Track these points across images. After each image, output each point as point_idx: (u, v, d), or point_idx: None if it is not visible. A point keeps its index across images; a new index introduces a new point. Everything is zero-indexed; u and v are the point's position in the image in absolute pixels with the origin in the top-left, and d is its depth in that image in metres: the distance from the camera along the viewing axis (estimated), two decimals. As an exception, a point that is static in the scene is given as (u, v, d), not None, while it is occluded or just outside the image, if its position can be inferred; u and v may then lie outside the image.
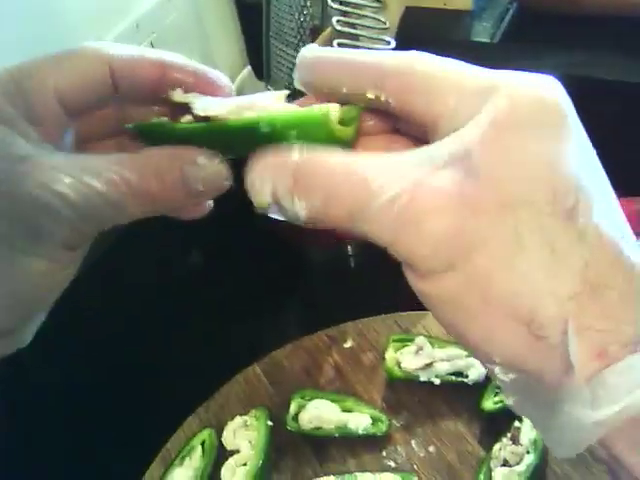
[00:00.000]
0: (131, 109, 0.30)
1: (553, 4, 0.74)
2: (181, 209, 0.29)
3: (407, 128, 0.27)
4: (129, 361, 0.65)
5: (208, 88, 0.28)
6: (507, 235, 0.23)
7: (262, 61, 0.71)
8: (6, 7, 0.54)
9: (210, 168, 0.26)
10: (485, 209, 0.22)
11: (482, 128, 0.23)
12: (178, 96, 0.28)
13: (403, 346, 0.62)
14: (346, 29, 0.64)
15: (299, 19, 0.66)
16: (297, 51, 0.68)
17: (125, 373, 0.64)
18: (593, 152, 0.25)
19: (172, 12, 0.69)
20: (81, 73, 0.27)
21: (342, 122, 0.26)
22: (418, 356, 0.59)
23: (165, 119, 0.28)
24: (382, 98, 0.25)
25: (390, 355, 0.61)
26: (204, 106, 0.27)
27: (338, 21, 0.64)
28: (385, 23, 0.66)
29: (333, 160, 0.24)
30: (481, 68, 0.25)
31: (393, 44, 0.65)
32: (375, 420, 0.58)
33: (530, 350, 0.23)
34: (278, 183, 0.24)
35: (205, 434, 0.60)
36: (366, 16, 0.67)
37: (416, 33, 0.73)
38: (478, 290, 0.23)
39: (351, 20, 0.66)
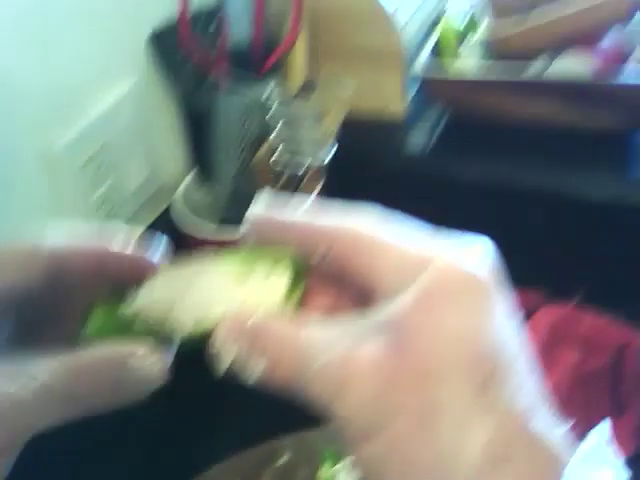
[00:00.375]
0: (75, 292, 0.31)
1: (481, 116, 0.79)
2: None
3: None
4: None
5: (142, 271, 0.30)
6: (421, 408, 0.24)
7: (206, 168, 0.74)
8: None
9: (146, 368, 0.27)
10: (403, 381, 0.24)
11: (410, 302, 0.25)
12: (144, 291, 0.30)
13: (337, 462, 0.62)
14: (286, 141, 0.67)
15: (242, 130, 0.69)
16: (239, 160, 0.71)
17: None
18: (515, 323, 0.27)
19: (119, 120, 0.71)
20: (18, 270, 0.28)
21: (291, 284, 0.29)
22: (352, 472, 0.60)
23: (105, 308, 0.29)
24: (328, 258, 0.28)
25: (324, 471, 0.61)
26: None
27: (279, 132, 0.67)
28: (324, 134, 0.70)
29: (280, 329, 0.27)
30: (421, 234, 0.28)
31: (332, 154, 0.68)
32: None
33: None
34: (236, 348, 0.27)
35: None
36: (306, 127, 0.70)
37: (354, 143, 0.77)
38: (398, 458, 0.25)
39: (291, 131, 0.69)
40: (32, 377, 0.25)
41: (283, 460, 0.66)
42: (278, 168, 0.64)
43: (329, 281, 0.30)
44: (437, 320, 0.25)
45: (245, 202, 0.73)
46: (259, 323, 0.27)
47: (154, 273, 0.30)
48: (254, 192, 0.69)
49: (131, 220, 0.74)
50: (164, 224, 0.76)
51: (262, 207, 0.30)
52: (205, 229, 0.71)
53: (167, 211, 0.76)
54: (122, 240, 0.30)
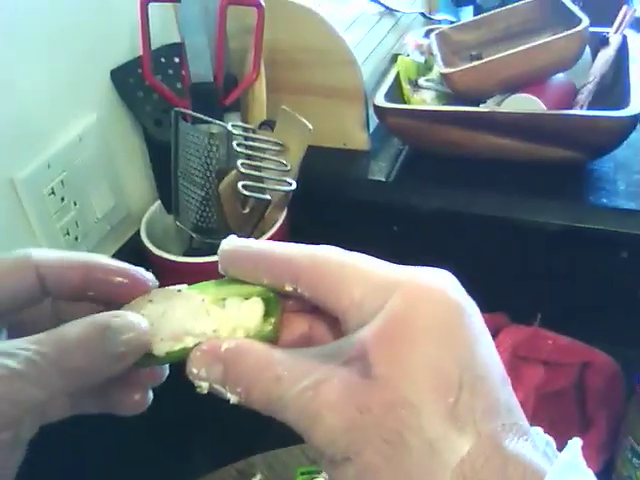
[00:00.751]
0: (64, 305, 0.31)
1: (439, 148, 0.81)
2: (118, 404, 0.30)
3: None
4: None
5: (134, 286, 0.30)
6: (390, 435, 0.25)
7: (171, 197, 0.74)
8: None
9: (129, 328, 0.27)
10: (372, 408, 0.25)
11: (377, 330, 0.26)
12: None
13: (311, 478, 0.63)
14: (250, 171, 0.68)
15: (206, 161, 0.70)
16: (203, 190, 0.72)
17: None
18: (486, 339, 0.27)
19: (83, 151, 0.72)
20: (8, 281, 0.28)
21: (266, 313, 0.30)
22: (324, 490, 0.60)
23: None
24: (298, 290, 0.29)
25: (296, 491, 0.61)
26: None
27: (242, 164, 0.68)
28: (287, 165, 0.71)
29: (253, 356, 0.27)
30: (385, 263, 0.28)
31: (294, 185, 0.69)
32: None
33: None
34: (211, 374, 0.27)
35: None
36: (269, 159, 0.72)
37: (318, 172, 0.78)
38: None
39: (255, 163, 0.70)
40: (24, 349, 0.25)
41: (257, 478, 0.66)
42: (244, 193, 0.64)
43: (303, 311, 0.31)
44: (405, 347, 0.25)
45: (210, 231, 0.74)
46: (232, 349, 0.27)
47: (142, 286, 0.30)
48: (220, 221, 0.71)
49: (97, 247, 0.74)
50: (132, 250, 0.76)
51: (231, 242, 0.30)
52: (171, 257, 0.71)
53: (135, 237, 0.76)
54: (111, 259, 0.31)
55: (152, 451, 0.69)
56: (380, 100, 0.81)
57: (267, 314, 0.30)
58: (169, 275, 0.72)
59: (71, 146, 0.71)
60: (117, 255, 0.77)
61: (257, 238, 0.72)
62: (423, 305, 0.26)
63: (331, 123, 0.86)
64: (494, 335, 0.73)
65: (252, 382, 0.27)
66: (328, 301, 0.28)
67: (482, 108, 0.79)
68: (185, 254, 0.76)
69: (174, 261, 0.71)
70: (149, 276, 0.31)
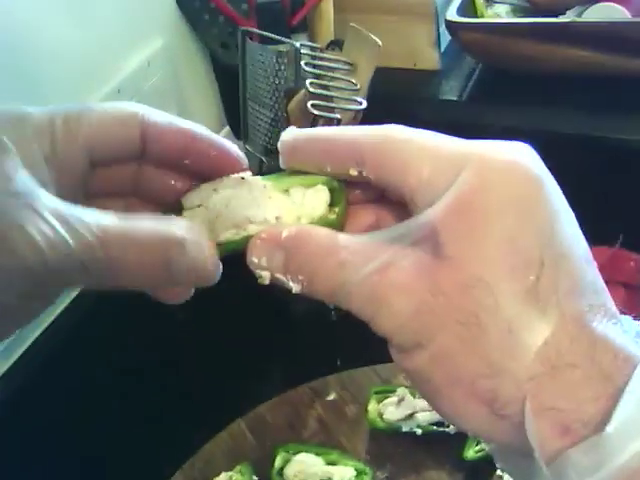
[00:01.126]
0: (150, 171, 0.29)
1: (513, 63, 0.77)
2: (161, 291, 0.28)
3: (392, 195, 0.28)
4: (114, 416, 0.64)
5: (227, 162, 0.28)
6: (465, 317, 0.23)
7: (239, 122, 0.74)
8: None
9: (198, 259, 0.25)
10: (444, 290, 0.23)
11: (448, 207, 0.24)
12: (189, 202, 0.29)
13: (385, 397, 0.63)
14: (319, 91, 0.67)
15: (274, 81, 0.69)
16: (272, 112, 0.71)
17: (110, 428, 0.64)
18: (568, 217, 0.25)
19: (152, 76, 0.72)
20: (115, 131, 0.27)
21: (330, 203, 0.29)
22: (400, 407, 0.60)
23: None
24: (363, 174, 0.27)
25: (372, 407, 0.62)
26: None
27: (311, 83, 0.66)
28: (356, 84, 0.69)
29: (315, 242, 0.26)
30: (454, 138, 0.26)
31: (364, 104, 0.68)
32: (359, 472, 0.59)
33: (495, 428, 0.24)
34: (272, 263, 0.26)
35: (190, 492, 0.60)
36: (338, 78, 0.70)
37: (388, 93, 0.76)
38: (442, 369, 0.24)
39: (324, 82, 0.68)
40: (96, 237, 0.22)
41: (332, 396, 0.67)
42: (314, 113, 0.63)
43: (369, 201, 0.29)
44: (479, 223, 0.23)
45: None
46: (293, 236, 0.26)
47: (236, 166, 0.29)
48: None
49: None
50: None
51: (290, 133, 0.28)
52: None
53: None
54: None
55: (230, 370, 0.71)
56: (452, 15, 0.77)
57: (332, 204, 0.29)
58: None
59: (140, 71, 0.70)
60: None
61: (327, 161, 0.71)
62: (497, 178, 0.24)
63: (400, 42, 0.83)
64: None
65: (314, 269, 0.25)
66: (395, 182, 0.26)
67: (562, 19, 0.75)
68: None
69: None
70: (242, 157, 0.29)
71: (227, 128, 0.78)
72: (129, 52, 0.70)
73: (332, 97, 0.68)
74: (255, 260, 0.26)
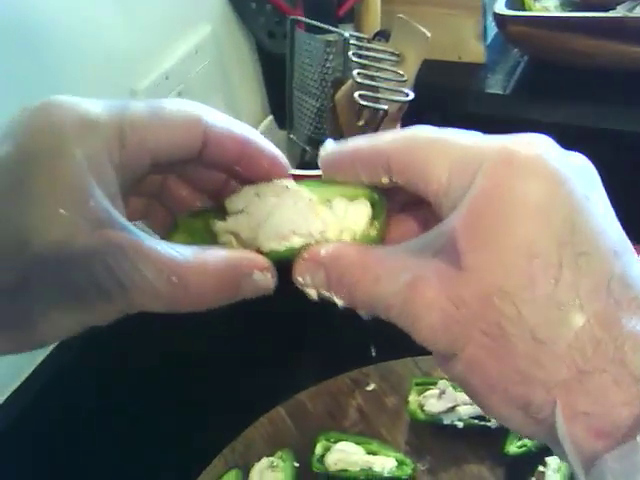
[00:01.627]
0: (173, 179, 0.31)
1: (561, 58, 0.77)
2: None
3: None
4: (157, 399, 0.65)
5: (274, 169, 0.30)
6: (489, 327, 0.23)
7: (284, 111, 0.74)
8: (38, 57, 0.56)
9: (263, 281, 0.27)
10: (466, 302, 0.24)
11: (463, 215, 0.24)
12: (233, 206, 0.30)
13: (425, 389, 0.63)
14: (366, 81, 0.66)
15: (321, 71, 0.69)
16: (318, 101, 0.71)
17: (152, 412, 0.65)
18: (596, 207, 0.24)
19: (199, 63, 0.72)
20: (180, 136, 0.28)
21: (372, 216, 0.29)
22: (441, 399, 0.60)
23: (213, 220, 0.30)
24: (393, 180, 0.27)
25: (413, 398, 0.62)
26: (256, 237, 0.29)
27: (359, 73, 0.66)
28: (403, 76, 0.69)
29: (350, 260, 0.27)
30: (476, 135, 0.26)
31: (411, 95, 0.67)
32: (400, 463, 0.59)
33: (534, 429, 0.24)
34: (315, 280, 0.27)
35: (231, 475, 0.60)
36: (385, 69, 0.70)
37: (433, 85, 0.75)
38: (477, 376, 0.24)
39: (371, 73, 0.68)
40: (170, 266, 0.25)
41: (372, 387, 0.67)
42: (361, 103, 0.63)
43: (411, 210, 0.30)
44: (494, 230, 0.23)
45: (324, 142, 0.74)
46: (330, 254, 0.27)
47: (281, 172, 0.30)
48: (334, 132, 0.70)
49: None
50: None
51: (327, 147, 0.29)
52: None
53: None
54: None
55: (270, 356, 0.71)
56: (501, 8, 0.76)
57: (373, 216, 0.29)
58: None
59: (188, 58, 0.71)
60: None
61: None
62: (511, 179, 0.23)
63: (445, 34, 0.82)
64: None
65: (353, 285, 0.26)
66: (420, 187, 0.26)
67: (613, 13, 0.74)
68: (297, 169, 0.76)
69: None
70: (288, 164, 0.30)
71: (270, 117, 0.78)
72: (177, 39, 0.70)
73: (379, 87, 0.68)
74: (300, 279, 0.28)
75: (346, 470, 0.58)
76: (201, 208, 0.31)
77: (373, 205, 0.29)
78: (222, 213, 0.30)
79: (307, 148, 0.73)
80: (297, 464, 0.60)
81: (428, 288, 0.24)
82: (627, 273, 0.23)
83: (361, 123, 0.71)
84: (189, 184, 0.31)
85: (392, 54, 0.71)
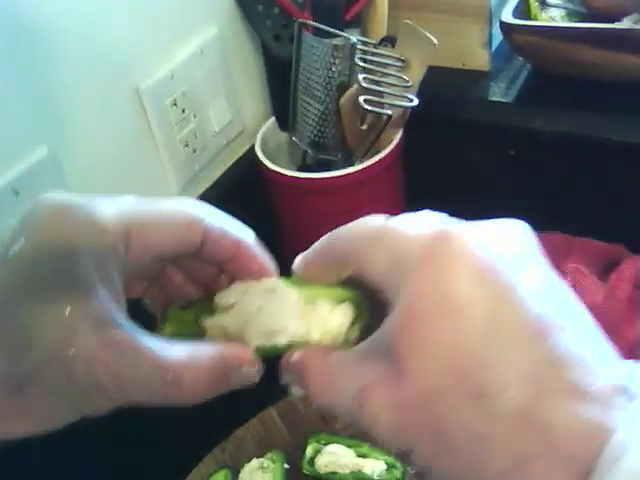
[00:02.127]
0: (191, 263, 0.33)
1: (567, 68, 0.77)
2: None
3: None
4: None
5: (262, 271, 0.32)
6: (432, 426, 0.24)
7: (287, 113, 0.74)
8: (42, 56, 0.56)
9: (251, 374, 0.30)
10: (409, 405, 0.25)
11: (396, 318, 0.25)
12: (223, 300, 0.32)
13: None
14: (371, 86, 0.67)
15: (327, 75, 0.69)
16: (323, 105, 0.71)
17: (141, 411, 0.65)
18: (529, 287, 0.24)
19: (204, 64, 0.72)
20: (182, 236, 0.30)
21: (355, 318, 0.31)
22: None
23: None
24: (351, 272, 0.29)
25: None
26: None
27: (364, 78, 0.67)
28: (408, 81, 0.69)
29: (316, 367, 0.29)
30: (415, 226, 0.26)
31: (416, 101, 0.68)
32: (390, 466, 0.59)
33: None
34: (293, 382, 0.30)
35: (221, 475, 0.60)
36: (390, 74, 0.70)
37: (437, 91, 0.76)
38: (432, 469, 0.25)
39: (376, 78, 0.69)
40: (172, 375, 0.27)
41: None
42: (365, 107, 0.63)
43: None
44: (421, 336, 0.24)
45: (325, 147, 0.74)
46: (298, 362, 0.29)
47: (267, 275, 0.32)
48: (337, 136, 0.70)
49: (214, 160, 0.76)
50: (246, 165, 0.77)
51: (296, 263, 0.32)
52: (285, 172, 0.71)
53: (250, 152, 0.77)
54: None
55: (264, 359, 0.71)
56: (507, 17, 0.77)
57: (356, 318, 0.31)
58: (282, 190, 0.74)
59: (193, 58, 0.71)
60: (232, 169, 0.78)
61: (372, 157, 0.72)
62: (434, 280, 0.24)
63: (450, 41, 0.82)
64: (613, 267, 0.70)
65: (317, 391, 0.28)
66: (373, 283, 0.28)
67: (620, 25, 0.74)
68: (299, 170, 0.76)
69: (289, 176, 0.71)
70: (274, 267, 0.33)
71: (273, 119, 0.79)
72: (183, 39, 0.70)
73: (384, 93, 0.68)
74: (285, 379, 0.31)
75: (336, 472, 0.59)
76: (190, 300, 0.34)
77: (356, 306, 0.31)
78: (210, 305, 0.32)
79: (309, 151, 0.74)
80: (287, 466, 0.60)
81: (377, 395, 0.25)
82: (555, 353, 0.23)
83: (364, 127, 0.71)
84: (184, 273, 0.33)
85: (398, 60, 0.71)
